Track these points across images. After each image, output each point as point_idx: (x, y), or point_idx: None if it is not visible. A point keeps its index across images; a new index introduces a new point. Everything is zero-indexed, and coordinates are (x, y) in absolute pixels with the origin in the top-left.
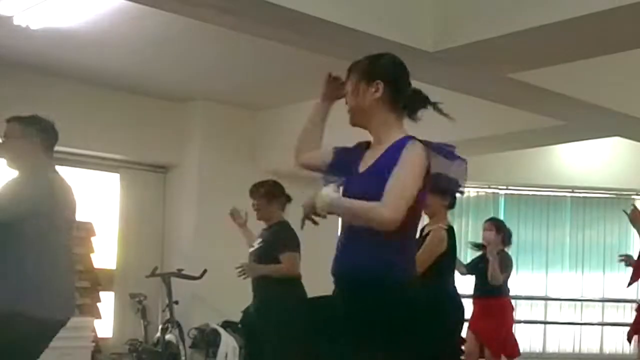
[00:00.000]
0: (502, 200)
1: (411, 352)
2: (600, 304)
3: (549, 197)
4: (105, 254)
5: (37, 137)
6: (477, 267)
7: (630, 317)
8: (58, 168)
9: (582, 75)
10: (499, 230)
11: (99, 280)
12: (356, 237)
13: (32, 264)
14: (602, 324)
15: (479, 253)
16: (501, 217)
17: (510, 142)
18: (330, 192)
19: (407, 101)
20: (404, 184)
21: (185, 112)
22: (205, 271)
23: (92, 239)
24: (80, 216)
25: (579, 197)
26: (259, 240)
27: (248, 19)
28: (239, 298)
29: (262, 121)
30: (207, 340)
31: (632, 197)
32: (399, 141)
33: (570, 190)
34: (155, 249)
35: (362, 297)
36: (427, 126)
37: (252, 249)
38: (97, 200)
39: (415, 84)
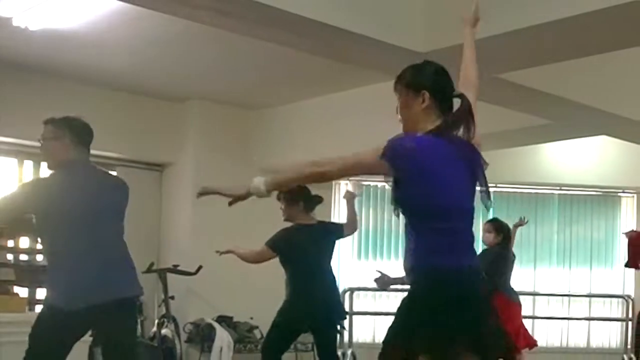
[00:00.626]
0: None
1: None
2: (587, 299)
3: (537, 195)
4: None
5: (67, 137)
6: None
7: (617, 313)
8: None
9: (569, 75)
10: (498, 231)
11: None
12: None
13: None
14: (589, 319)
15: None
16: (490, 215)
17: (499, 141)
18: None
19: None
20: None
21: (181, 111)
22: (200, 267)
23: None
24: None
25: (567, 194)
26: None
27: (245, 21)
28: (233, 293)
29: (257, 121)
30: (203, 334)
31: (619, 194)
32: None
33: (558, 187)
34: (151, 246)
35: None
36: None
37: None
38: None
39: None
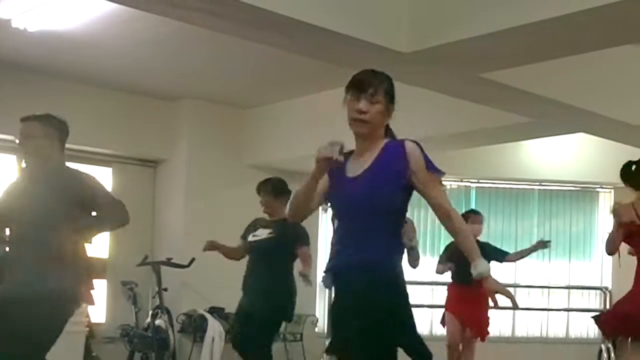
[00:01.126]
0: (473, 193)
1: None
2: (566, 290)
3: (517, 190)
4: (98, 243)
5: (55, 134)
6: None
7: (595, 304)
8: None
9: (549, 74)
10: (482, 222)
11: (93, 268)
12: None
13: None
14: (568, 310)
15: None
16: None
17: (481, 138)
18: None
19: None
20: None
21: (174, 110)
22: (193, 260)
23: None
24: None
25: (546, 189)
26: (268, 231)
27: (236, 22)
28: (225, 285)
29: (248, 119)
30: (195, 325)
31: (596, 190)
32: (389, 144)
33: (538, 183)
34: (145, 239)
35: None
36: (405, 123)
37: (256, 238)
38: None
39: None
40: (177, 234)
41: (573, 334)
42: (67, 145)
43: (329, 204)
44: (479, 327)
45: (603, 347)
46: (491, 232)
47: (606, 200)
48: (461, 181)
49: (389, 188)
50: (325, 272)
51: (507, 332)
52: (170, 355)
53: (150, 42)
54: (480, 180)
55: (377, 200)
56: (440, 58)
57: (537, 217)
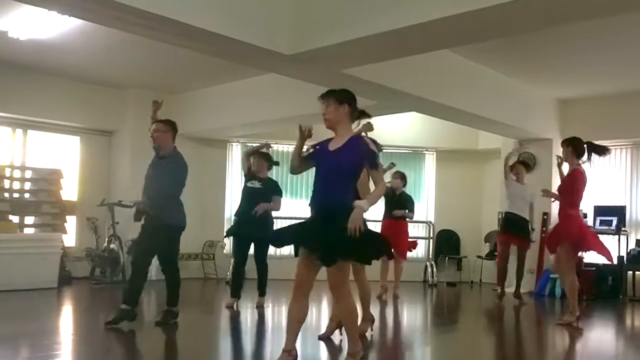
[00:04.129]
0: None
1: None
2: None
3: None
4: (70, 190)
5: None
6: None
7: (424, 233)
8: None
9: (390, 70)
10: (402, 178)
11: (65, 208)
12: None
13: None
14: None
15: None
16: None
17: None
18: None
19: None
20: None
21: (124, 94)
22: (136, 202)
23: (61, 180)
24: (53, 164)
25: (388, 152)
26: (259, 184)
27: (165, 33)
28: None
29: (177, 101)
30: None
31: (423, 152)
32: (353, 137)
33: (383, 146)
34: (103, 187)
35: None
36: (283, 103)
37: (252, 186)
38: (65, 154)
39: (274, 77)
40: (125, 183)
41: (409, 254)
42: (50, 121)
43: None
44: (401, 248)
45: (428, 263)
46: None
47: (430, 160)
48: None
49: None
50: (309, 205)
51: None
52: (120, 269)
53: (106, 46)
54: None
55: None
56: (313, 58)
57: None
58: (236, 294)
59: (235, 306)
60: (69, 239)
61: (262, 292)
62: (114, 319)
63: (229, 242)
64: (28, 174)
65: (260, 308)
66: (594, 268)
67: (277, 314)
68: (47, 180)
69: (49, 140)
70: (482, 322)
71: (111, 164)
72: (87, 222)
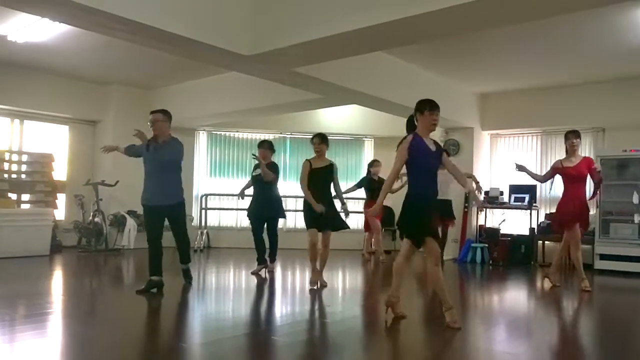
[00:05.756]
0: (288, 142)
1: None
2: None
3: None
4: (60, 171)
5: (169, 121)
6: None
7: (360, 208)
8: (36, 123)
9: (334, 68)
10: (379, 166)
11: (56, 187)
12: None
13: None
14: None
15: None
16: (287, 154)
17: (295, 107)
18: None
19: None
20: None
21: (107, 90)
22: (117, 182)
23: (52, 163)
24: (46, 149)
25: (333, 139)
26: (258, 170)
27: (141, 36)
28: (137, 196)
29: (153, 95)
30: (119, 221)
31: (363, 139)
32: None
33: (328, 134)
34: (88, 169)
35: None
36: (242, 97)
37: (256, 174)
38: (56, 141)
39: (235, 74)
40: (108, 165)
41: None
42: (43, 112)
43: None
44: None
45: (366, 235)
46: (299, 167)
47: (368, 145)
48: (280, 134)
49: None
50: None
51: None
52: (104, 240)
53: (92, 48)
54: (293, 133)
55: None
56: (268, 59)
57: (327, 156)
58: (262, 261)
59: (264, 272)
60: (59, 213)
61: (272, 259)
62: (144, 287)
63: (196, 216)
64: (24, 158)
65: (270, 272)
66: (509, 238)
67: (290, 277)
68: (40, 163)
69: (42, 128)
70: (414, 284)
71: (95, 149)
72: (75, 199)
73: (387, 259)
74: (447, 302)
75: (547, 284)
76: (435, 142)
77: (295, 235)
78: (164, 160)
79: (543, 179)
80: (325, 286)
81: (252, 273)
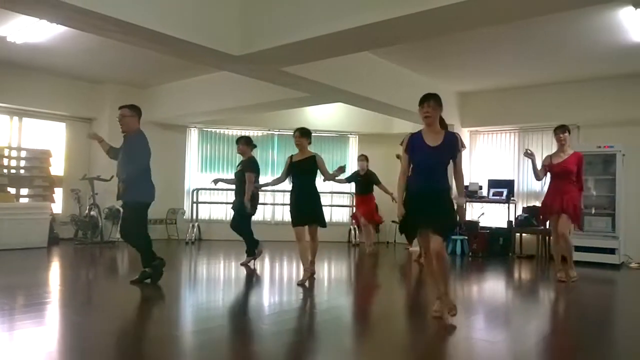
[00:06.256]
0: (276, 139)
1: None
2: (330, 195)
3: None
4: (57, 167)
5: (138, 116)
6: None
7: (347, 202)
8: (34, 120)
9: (320, 68)
10: (366, 160)
11: (54, 182)
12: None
13: None
14: (331, 206)
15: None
16: (275, 150)
17: (282, 105)
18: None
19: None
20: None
21: (102, 88)
22: (112, 176)
23: (50, 159)
24: (44, 146)
25: (319, 135)
26: (239, 166)
27: (135, 37)
28: None
29: (145, 94)
30: (114, 215)
31: (348, 135)
32: (448, 133)
33: (314, 131)
34: (85, 164)
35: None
36: (232, 95)
37: (236, 170)
38: (53, 138)
39: (225, 74)
40: (103, 161)
41: (334, 219)
42: (40, 110)
43: None
44: (371, 216)
45: (351, 227)
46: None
47: (353, 142)
48: (268, 131)
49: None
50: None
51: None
52: (99, 232)
53: (88, 48)
54: (280, 130)
55: None
56: (257, 59)
57: (313, 151)
58: (251, 253)
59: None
60: (57, 207)
61: (250, 252)
62: (137, 278)
63: (188, 210)
64: (23, 154)
65: (245, 265)
66: (488, 231)
67: (278, 268)
68: (38, 158)
69: (41, 125)
70: (397, 274)
71: (91, 146)
72: (72, 193)
73: (375, 249)
74: (439, 290)
75: (558, 282)
76: (446, 137)
77: (283, 228)
78: (125, 154)
79: (538, 177)
80: (314, 274)
81: (242, 264)
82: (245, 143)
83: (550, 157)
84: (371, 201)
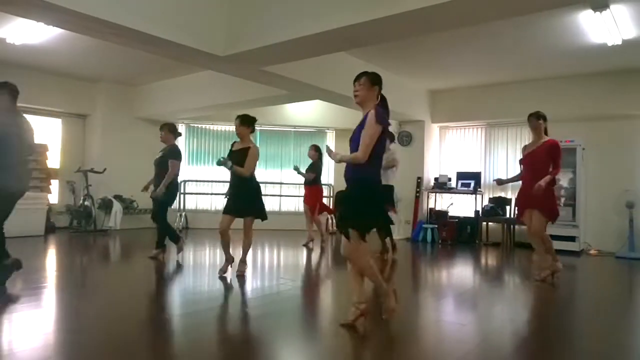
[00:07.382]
0: (258, 134)
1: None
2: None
3: (283, 131)
4: (53, 160)
5: (9, 94)
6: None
7: (329, 194)
8: (32, 116)
9: (299, 67)
10: (317, 150)
11: (50, 174)
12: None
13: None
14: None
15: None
16: (258, 145)
17: (264, 102)
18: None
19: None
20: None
21: (96, 86)
22: (105, 169)
23: (47, 152)
24: (41, 140)
25: (298, 131)
26: (160, 153)
27: (126, 38)
28: (122, 182)
29: (137, 92)
30: (106, 204)
31: (325, 130)
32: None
33: (293, 127)
34: (79, 158)
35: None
36: (217, 93)
37: (157, 156)
38: (49, 133)
39: (211, 73)
40: (97, 154)
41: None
42: (37, 107)
43: None
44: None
45: (328, 217)
46: (269, 155)
47: (330, 136)
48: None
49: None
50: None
51: (292, 208)
52: (93, 221)
53: (82, 49)
54: (262, 125)
55: None
56: (240, 59)
57: (293, 147)
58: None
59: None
60: (53, 197)
61: (159, 245)
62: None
63: (176, 200)
64: None
65: (153, 259)
66: (457, 220)
67: (260, 256)
68: (36, 152)
69: (38, 121)
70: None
71: (85, 140)
72: (67, 185)
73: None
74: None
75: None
76: (365, 117)
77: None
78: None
79: (519, 177)
80: (245, 271)
81: (150, 257)
82: (170, 130)
83: (525, 146)
84: (313, 192)
